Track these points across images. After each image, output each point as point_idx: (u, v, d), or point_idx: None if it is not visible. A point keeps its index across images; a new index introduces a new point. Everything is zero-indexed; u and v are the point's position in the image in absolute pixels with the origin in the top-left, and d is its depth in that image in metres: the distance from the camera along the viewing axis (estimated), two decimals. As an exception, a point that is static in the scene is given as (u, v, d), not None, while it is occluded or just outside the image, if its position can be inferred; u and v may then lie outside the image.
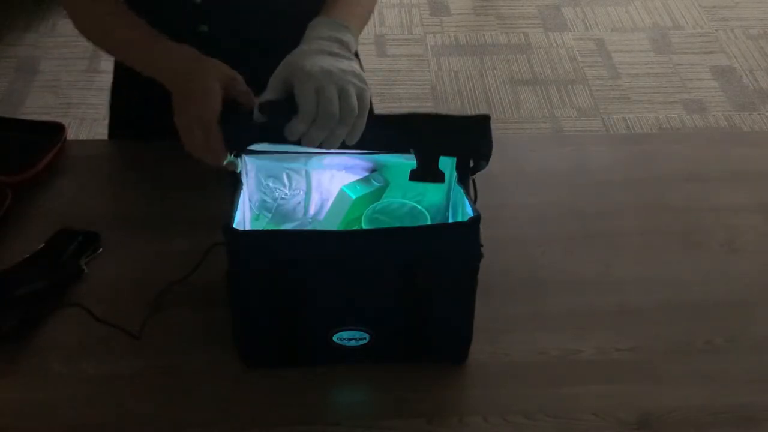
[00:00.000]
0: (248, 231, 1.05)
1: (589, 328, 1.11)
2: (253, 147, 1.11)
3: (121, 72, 1.35)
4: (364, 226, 1.08)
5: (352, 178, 1.13)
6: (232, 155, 0.99)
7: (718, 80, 2.86)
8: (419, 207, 1.11)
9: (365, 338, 1.00)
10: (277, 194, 1.15)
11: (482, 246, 0.94)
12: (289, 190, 1.15)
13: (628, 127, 2.66)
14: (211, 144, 0.98)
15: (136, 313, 1.08)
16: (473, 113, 1.03)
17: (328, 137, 0.94)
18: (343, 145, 0.96)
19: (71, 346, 1.06)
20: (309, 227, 1.16)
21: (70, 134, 1.36)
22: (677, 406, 1.02)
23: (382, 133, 1.00)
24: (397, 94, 2.84)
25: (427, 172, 1.02)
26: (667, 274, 1.18)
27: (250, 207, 1.14)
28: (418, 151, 1.01)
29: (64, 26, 2.93)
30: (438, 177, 1.03)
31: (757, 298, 1.16)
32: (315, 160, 1.13)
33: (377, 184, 1.13)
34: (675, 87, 2.83)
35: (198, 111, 0.98)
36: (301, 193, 1.16)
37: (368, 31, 3.09)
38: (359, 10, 1.12)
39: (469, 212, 0.97)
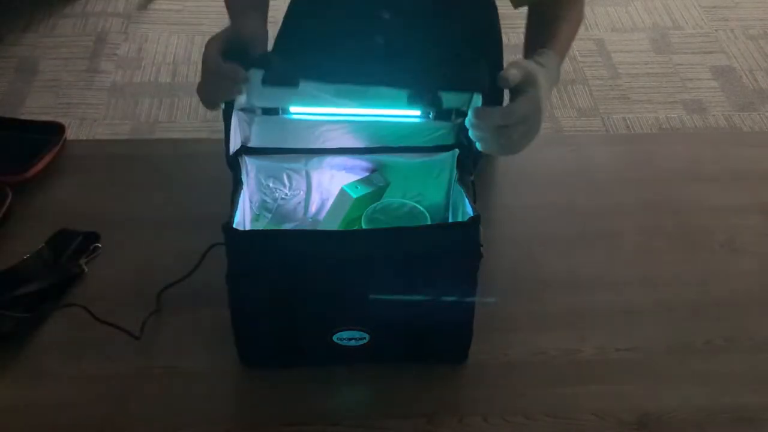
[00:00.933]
0: (248, 231, 1.05)
1: (589, 328, 1.11)
2: (254, 144, 1.11)
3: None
4: (364, 226, 1.08)
5: (352, 178, 1.13)
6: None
7: (718, 80, 2.86)
8: (419, 207, 1.11)
9: (365, 338, 1.00)
10: (277, 194, 1.15)
11: (482, 246, 0.94)
12: (290, 190, 1.15)
13: (628, 127, 2.66)
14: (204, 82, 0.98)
15: (136, 313, 1.08)
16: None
17: (487, 142, 0.97)
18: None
19: (71, 346, 1.06)
20: (309, 227, 1.16)
21: (70, 134, 1.36)
22: (677, 406, 1.02)
23: (381, 67, 0.99)
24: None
25: (424, 98, 1.01)
26: (667, 274, 1.18)
27: (251, 207, 1.14)
28: (417, 82, 1.00)
29: (64, 26, 2.93)
30: (435, 103, 1.01)
31: (757, 298, 1.16)
32: (315, 160, 1.13)
33: (377, 184, 1.13)
34: (675, 87, 2.82)
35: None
36: (301, 193, 1.16)
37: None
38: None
39: (469, 212, 0.97)
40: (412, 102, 1.01)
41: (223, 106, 0.99)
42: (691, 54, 2.97)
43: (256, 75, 0.98)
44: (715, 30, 3.09)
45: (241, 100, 1.05)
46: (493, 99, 0.99)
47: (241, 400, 1.02)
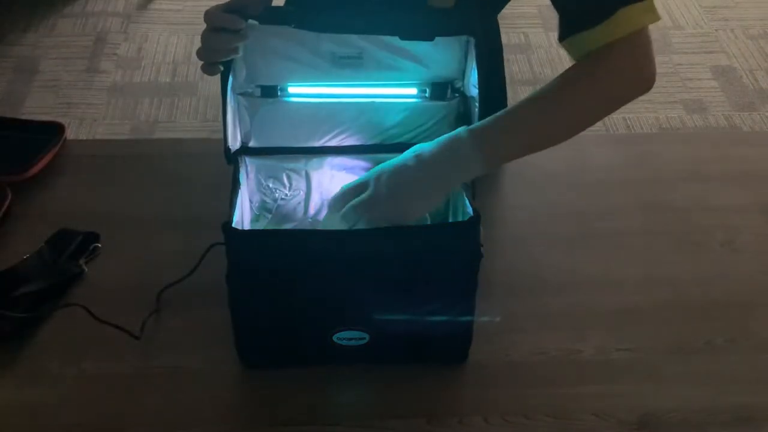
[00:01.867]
0: (248, 230, 1.05)
1: (589, 328, 1.11)
2: (252, 144, 1.11)
3: None
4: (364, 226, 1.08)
5: (352, 178, 1.13)
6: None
7: (718, 80, 2.86)
8: (419, 207, 1.11)
9: (365, 338, 1.00)
10: (277, 195, 1.15)
11: (482, 246, 0.94)
12: (289, 190, 1.15)
13: (628, 127, 2.66)
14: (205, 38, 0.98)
15: (136, 313, 1.08)
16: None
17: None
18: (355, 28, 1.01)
19: (71, 346, 1.06)
20: (309, 227, 1.16)
21: (70, 134, 1.36)
22: (677, 406, 1.02)
23: (374, 16, 1.02)
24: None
25: (417, 32, 1.02)
26: (667, 274, 1.18)
27: (251, 208, 1.14)
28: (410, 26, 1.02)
29: (64, 26, 2.93)
30: (427, 37, 1.02)
31: (757, 298, 1.16)
32: (315, 160, 1.13)
33: (377, 184, 1.13)
34: (675, 87, 2.82)
35: None
36: (301, 193, 1.16)
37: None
38: (529, 134, 1.00)
39: (469, 212, 0.97)
40: (405, 37, 1.01)
41: (222, 68, 0.99)
42: (691, 54, 2.97)
43: (255, 48, 1.00)
44: (715, 30, 3.09)
45: (241, 76, 1.06)
46: (489, 76, 1.01)
47: (241, 400, 1.02)
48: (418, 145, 1.00)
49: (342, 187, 1.04)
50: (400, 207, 0.98)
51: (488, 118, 1.00)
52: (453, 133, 0.99)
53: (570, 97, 1.01)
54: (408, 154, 0.99)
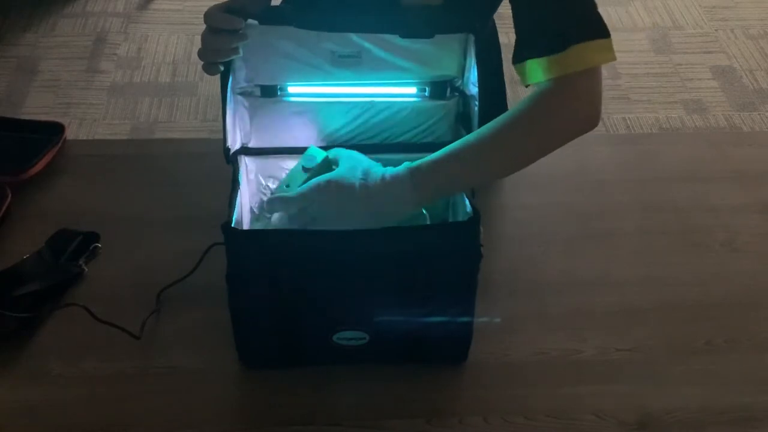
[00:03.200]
0: (248, 230, 1.05)
1: (589, 328, 1.11)
2: (252, 144, 1.11)
3: None
4: None
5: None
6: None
7: (718, 80, 2.86)
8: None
9: (365, 338, 1.00)
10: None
11: (482, 246, 0.94)
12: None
13: (628, 127, 2.66)
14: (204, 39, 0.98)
15: (136, 313, 1.08)
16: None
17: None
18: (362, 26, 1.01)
19: (71, 346, 1.06)
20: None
21: (70, 134, 1.36)
22: (677, 406, 1.02)
23: (373, 15, 1.02)
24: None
25: (416, 30, 1.02)
26: (667, 274, 1.18)
27: (251, 209, 1.14)
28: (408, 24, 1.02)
29: (64, 26, 2.93)
30: (426, 34, 1.02)
31: (757, 298, 1.16)
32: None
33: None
34: (675, 87, 2.82)
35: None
36: (301, 193, 1.15)
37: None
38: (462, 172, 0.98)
39: (469, 212, 0.97)
40: (405, 35, 1.02)
41: (222, 68, 1.00)
42: (691, 54, 2.97)
43: (255, 48, 1.01)
44: (715, 30, 3.09)
45: (241, 76, 1.06)
46: (490, 68, 1.01)
47: (240, 400, 1.02)
48: (370, 167, 0.99)
49: (281, 191, 1.06)
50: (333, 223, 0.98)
51: (431, 159, 0.98)
52: (398, 171, 0.98)
53: (509, 139, 1.00)
54: (357, 174, 0.98)
